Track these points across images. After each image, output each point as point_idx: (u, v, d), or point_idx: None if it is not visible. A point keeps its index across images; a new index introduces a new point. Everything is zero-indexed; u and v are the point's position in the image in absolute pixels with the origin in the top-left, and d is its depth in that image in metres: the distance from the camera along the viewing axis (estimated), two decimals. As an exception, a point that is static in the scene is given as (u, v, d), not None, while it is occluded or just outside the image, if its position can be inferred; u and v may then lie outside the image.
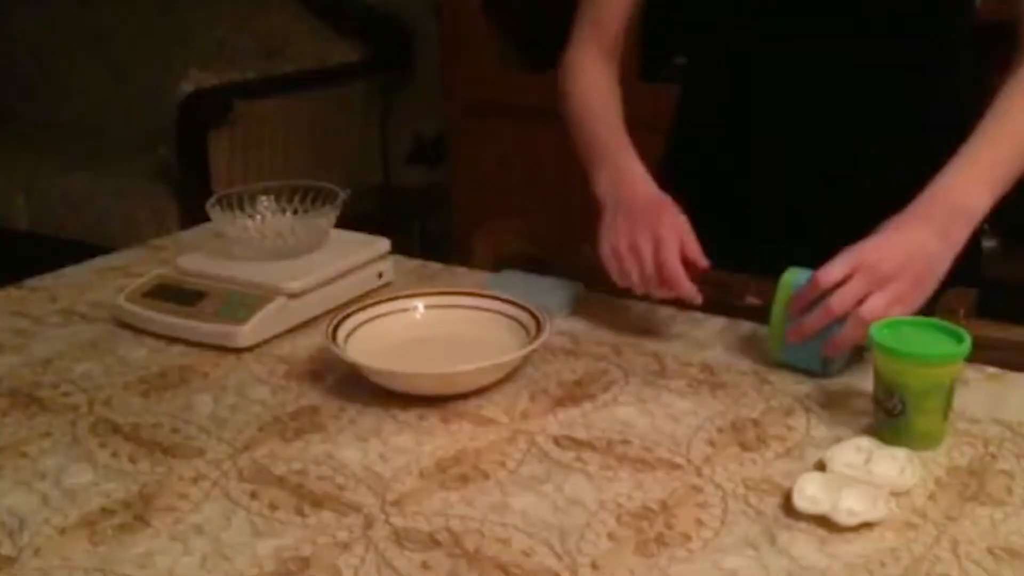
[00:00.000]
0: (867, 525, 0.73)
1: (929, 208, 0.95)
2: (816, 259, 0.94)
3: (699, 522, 0.75)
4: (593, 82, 1.22)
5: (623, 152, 1.13)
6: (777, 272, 0.98)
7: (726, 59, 1.20)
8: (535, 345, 0.96)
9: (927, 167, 0.98)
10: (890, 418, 0.85)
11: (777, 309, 0.97)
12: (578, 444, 0.86)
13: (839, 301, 0.91)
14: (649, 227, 1.02)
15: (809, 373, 0.96)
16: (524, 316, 1.02)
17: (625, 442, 0.86)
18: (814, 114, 1.13)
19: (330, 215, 1.16)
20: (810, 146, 1.14)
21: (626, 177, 1.10)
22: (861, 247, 0.93)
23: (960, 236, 0.94)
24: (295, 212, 1.18)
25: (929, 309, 0.99)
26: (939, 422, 0.84)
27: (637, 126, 1.21)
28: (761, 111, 1.17)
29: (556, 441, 0.87)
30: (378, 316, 1.04)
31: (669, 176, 1.17)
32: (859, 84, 1.11)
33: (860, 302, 0.90)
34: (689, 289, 1.00)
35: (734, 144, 1.20)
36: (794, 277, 0.97)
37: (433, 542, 0.74)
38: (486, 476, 0.82)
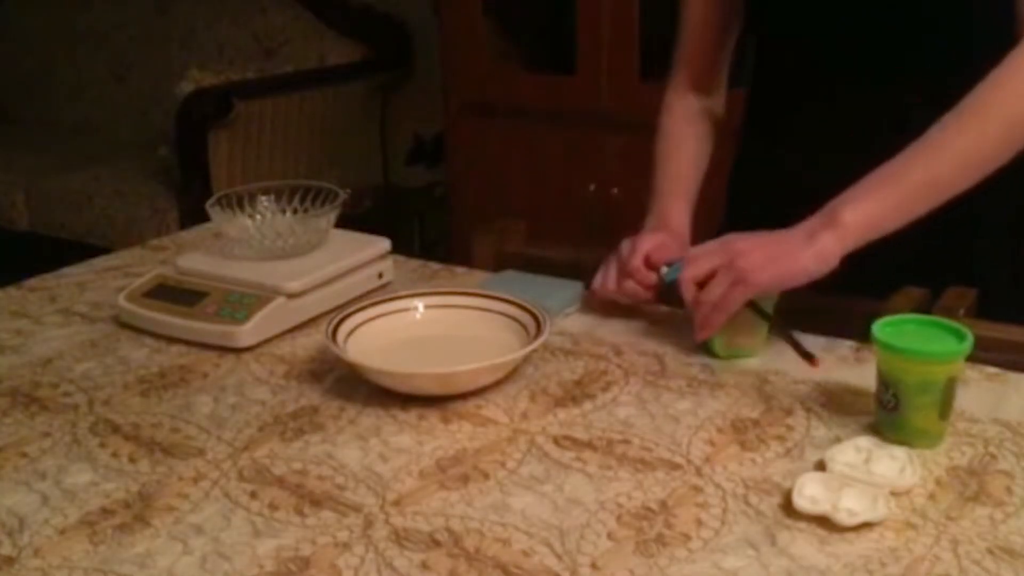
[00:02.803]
0: (867, 525, 0.73)
1: (814, 218, 0.97)
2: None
3: (699, 522, 0.75)
4: (670, 127, 1.25)
5: (669, 198, 1.19)
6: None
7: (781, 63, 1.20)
8: (535, 345, 0.96)
9: None
10: (885, 412, 0.85)
11: None
12: (578, 444, 0.86)
13: (690, 276, 0.99)
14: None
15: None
16: (524, 316, 1.02)
17: (625, 442, 0.86)
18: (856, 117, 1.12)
19: (330, 215, 1.16)
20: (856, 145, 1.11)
21: (661, 220, 1.16)
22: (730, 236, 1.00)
23: (825, 242, 0.94)
24: (295, 212, 1.18)
25: (927, 308, 0.99)
26: (934, 420, 0.84)
27: (637, 126, 1.22)
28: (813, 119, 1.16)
29: (556, 441, 0.87)
30: (378, 316, 1.04)
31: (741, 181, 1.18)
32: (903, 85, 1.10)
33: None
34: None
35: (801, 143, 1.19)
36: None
37: (433, 542, 0.74)
38: (486, 476, 0.82)
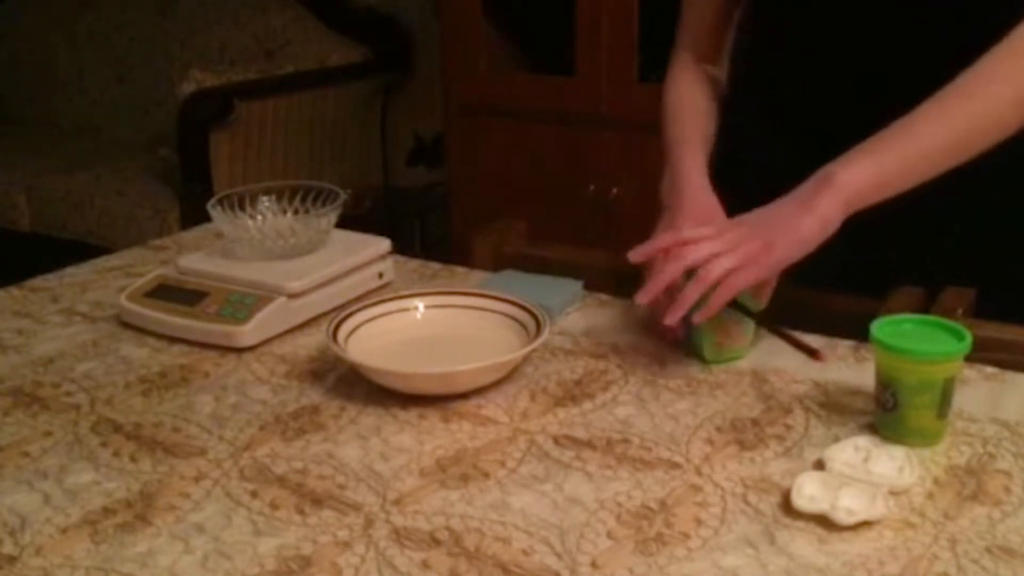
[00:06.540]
0: (866, 524, 0.74)
1: (806, 184, 0.94)
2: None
3: (698, 521, 0.75)
4: (679, 93, 1.23)
5: (687, 156, 1.13)
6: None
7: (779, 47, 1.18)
8: (535, 345, 0.96)
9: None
10: (884, 412, 0.86)
11: None
12: (578, 443, 0.87)
13: (690, 254, 0.92)
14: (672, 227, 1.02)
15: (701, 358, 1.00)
16: (524, 316, 1.02)
17: (624, 441, 0.87)
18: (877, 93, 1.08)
19: (330, 215, 1.16)
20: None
21: (682, 179, 1.10)
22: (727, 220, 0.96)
23: (821, 205, 0.92)
24: (295, 212, 1.18)
25: (925, 308, 0.99)
26: (932, 419, 0.84)
27: (636, 127, 1.22)
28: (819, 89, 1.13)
29: (556, 440, 0.87)
30: (378, 316, 1.05)
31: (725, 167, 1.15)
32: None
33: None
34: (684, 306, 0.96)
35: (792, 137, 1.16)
36: None
37: (433, 541, 0.74)
38: (486, 475, 0.82)
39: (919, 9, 1.04)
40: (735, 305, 0.96)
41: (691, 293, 0.92)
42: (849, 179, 0.93)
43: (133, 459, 0.86)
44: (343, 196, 1.18)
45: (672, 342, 1.02)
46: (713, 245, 0.93)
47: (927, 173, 0.94)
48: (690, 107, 1.20)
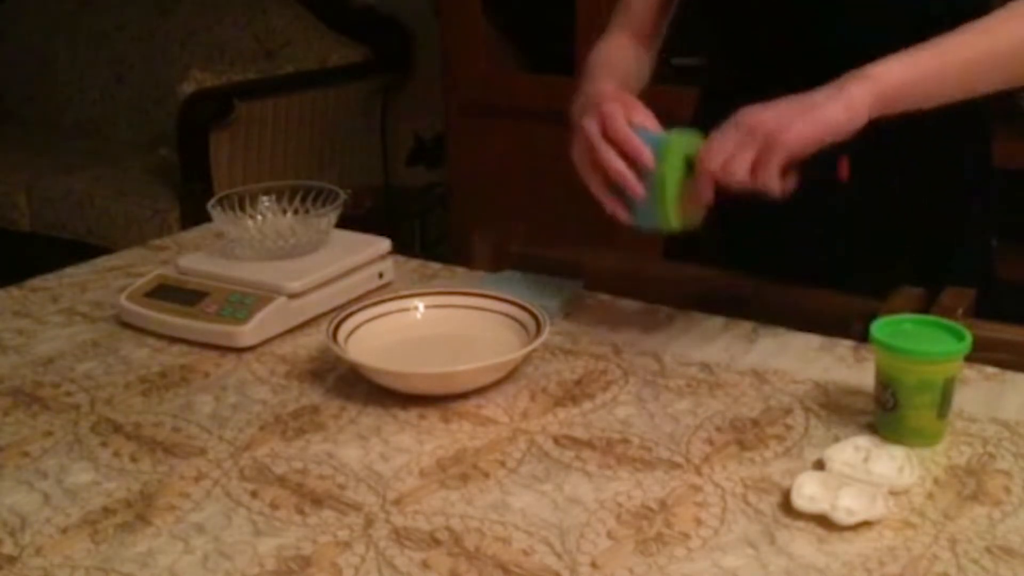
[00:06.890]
0: (866, 524, 0.74)
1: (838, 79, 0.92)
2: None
3: (698, 521, 0.75)
4: (606, 52, 1.19)
5: (599, 76, 1.09)
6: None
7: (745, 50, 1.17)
8: (535, 345, 0.96)
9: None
10: (884, 412, 0.86)
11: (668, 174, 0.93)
12: (578, 443, 0.87)
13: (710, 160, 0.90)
14: (594, 109, 0.98)
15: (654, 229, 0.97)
16: (524, 316, 1.02)
17: (624, 441, 0.87)
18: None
19: (331, 215, 1.16)
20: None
21: (598, 89, 1.05)
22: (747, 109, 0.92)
23: (854, 92, 0.89)
24: (295, 212, 1.18)
25: (925, 308, 0.99)
26: (932, 419, 0.84)
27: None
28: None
29: (556, 440, 0.87)
30: (378, 316, 1.05)
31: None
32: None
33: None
34: (640, 150, 0.93)
35: None
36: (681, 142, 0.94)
37: (433, 541, 0.74)
38: (486, 475, 0.82)
39: (912, 3, 1.04)
40: (692, 169, 0.93)
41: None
42: (883, 73, 0.91)
43: (133, 459, 0.86)
44: (343, 196, 1.18)
45: (624, 221, 0.98)
46: (728, 140, 0.90)
47: (962, 86, 0.94)
48: (616, 62, 1.16)
